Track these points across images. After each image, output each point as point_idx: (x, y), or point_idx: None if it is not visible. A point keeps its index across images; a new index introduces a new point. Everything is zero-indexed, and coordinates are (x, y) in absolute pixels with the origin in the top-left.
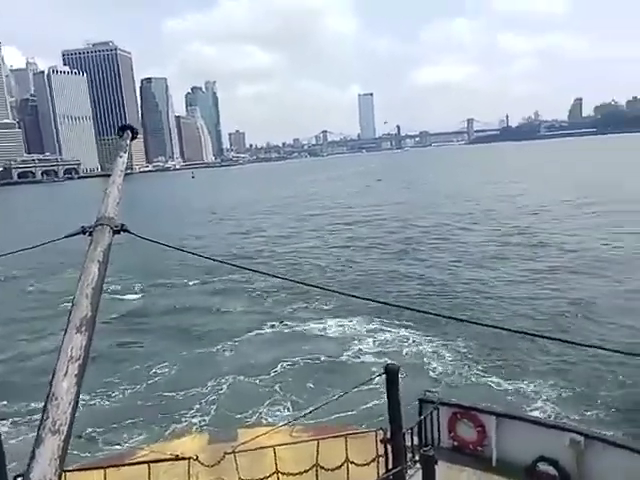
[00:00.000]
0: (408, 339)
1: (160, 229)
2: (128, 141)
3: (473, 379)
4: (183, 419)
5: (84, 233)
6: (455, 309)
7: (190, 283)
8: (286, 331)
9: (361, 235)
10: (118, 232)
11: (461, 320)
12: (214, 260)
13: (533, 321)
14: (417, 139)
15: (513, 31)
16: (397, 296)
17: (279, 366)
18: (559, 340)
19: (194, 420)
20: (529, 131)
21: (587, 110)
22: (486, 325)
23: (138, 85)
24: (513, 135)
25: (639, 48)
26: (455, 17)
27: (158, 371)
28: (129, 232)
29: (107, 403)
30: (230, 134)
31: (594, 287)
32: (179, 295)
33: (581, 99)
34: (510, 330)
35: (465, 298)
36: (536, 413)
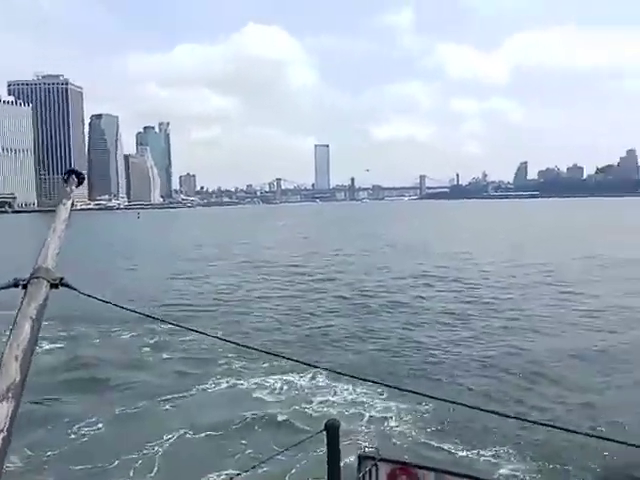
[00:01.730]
0: (353, 395)
1: (95, 273)
2: (73, 187)
3: (417, 438)
4: None
5: (17, 286)
6: (403, 372)
7: (125, 335)
8: (224, 388)
9: (315, 288)
10: (56, 286)
11: (409, 391)
12: (153, 318)
13: (486, 390)
14: (370, 192)
15: (463, 95)
16: (340, 355)
17: (216, 426)
18: (514, 418)
19: None
20: (477, 190)
21: (531, 174)
22: (430, 396)
23: (88, 121)
24: (462, 193)
25: (573, 118)
26: (412, 79)
27: (86, 431)
28: (69, 287)
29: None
30: (181, 176)
31: (544, 348)
32: (112, 347)
33: (526, 163)
34: (455, 403)
35: (414, 361)
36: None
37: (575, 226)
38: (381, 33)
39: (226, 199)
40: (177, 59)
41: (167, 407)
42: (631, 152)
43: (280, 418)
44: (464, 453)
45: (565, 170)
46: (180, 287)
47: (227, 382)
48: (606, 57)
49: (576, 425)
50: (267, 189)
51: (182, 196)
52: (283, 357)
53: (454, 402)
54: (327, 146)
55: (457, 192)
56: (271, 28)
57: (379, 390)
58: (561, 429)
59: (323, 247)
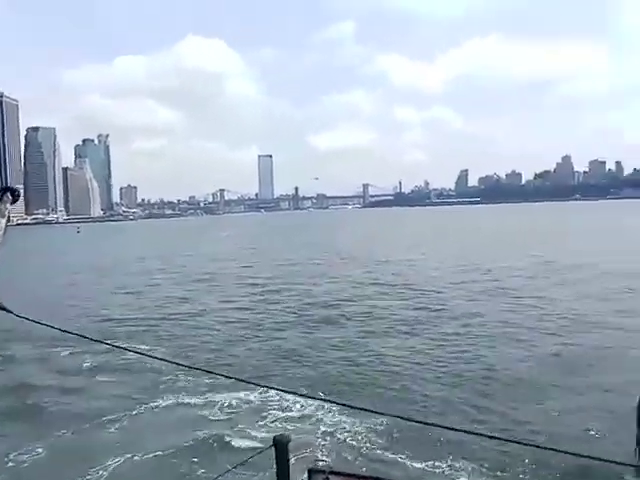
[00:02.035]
0: (304, 410)
1: (33, 291)
2: (8, 205)
3: (369, 450)
4: None
5: None
6: (355, 385)
7: (65, 355)
8: (169, 408)
9: (262, 300)
10: None
11: (361, 409)
12: (90, 339)
13: (440, 402)
14: (315, 201)
15: (405, 103)
16: (290, 369)
17: (163, 447)
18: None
19: None
20: (420, 198)
21: (472, 181)
22: (380, 413)
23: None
24: (406, 201)
25: (511, 126)
26: (355, 88)
27: (25, 458)
28: (6, 310)
29: None
30: (121, 188)
31: (496, 354)
32: (51, 369)
33: (467, 170)
34: (406, 419)
35: (365, 373)
36: None
37: (517, 230)
38: (324, 45)
39: (169, 211)
40: (119, 71)
41: (111, 430)
42: (566, 158)
43: (228, 436)
44: (417, 465)
45: (504, 177)
46: (123, 302)
47: (172, 401)
48: (540, 66)
49: (529, 435)
50: (210, 200)
51: (123, 208)
52: (227, 377)
53: (405, 418)
54: (270, 156)
55: (400, 200)
56: (211, 41)
57: (331, 404)
58: (513, 442)
59: (268, 257)
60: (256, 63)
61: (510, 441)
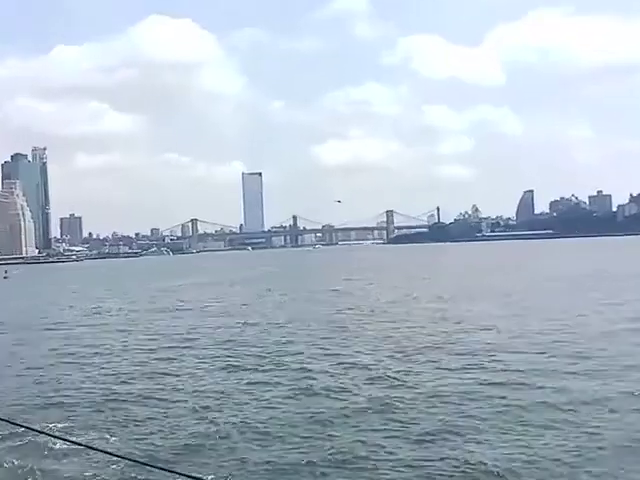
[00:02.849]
0: None
1: None
2: None
3: None
4: None
5: None
6: None
7: None
8: None
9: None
10: None
11: None
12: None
13: None
14: (319, 235)
15: (440, 101)
16: None
17: None
18: None
19: None
20: (466, 229)
21: (540, 206)
22: None
23: None
24: (446, 234)
25: (588, 128)
26: (370, 82)
27: None
28: None
29: None
30: (62, 219)
31: None
32: None
33: (532, 192)
34: None
35: None
36: None
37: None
38: (328, 24)
39: (125, 248)
40: (57, 65)
41: None
42: None
43: None
44: None
45: (586, 200)
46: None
47: None
48: (620, 50)
49: None
50: (179, 234)
51: (64, 246)
52: None
53: None
54: (259, 174)
55: (438, 232)
56: (179, 22)
57: None
58: None
59: (245, 355)
60: (239, 50)
61: None
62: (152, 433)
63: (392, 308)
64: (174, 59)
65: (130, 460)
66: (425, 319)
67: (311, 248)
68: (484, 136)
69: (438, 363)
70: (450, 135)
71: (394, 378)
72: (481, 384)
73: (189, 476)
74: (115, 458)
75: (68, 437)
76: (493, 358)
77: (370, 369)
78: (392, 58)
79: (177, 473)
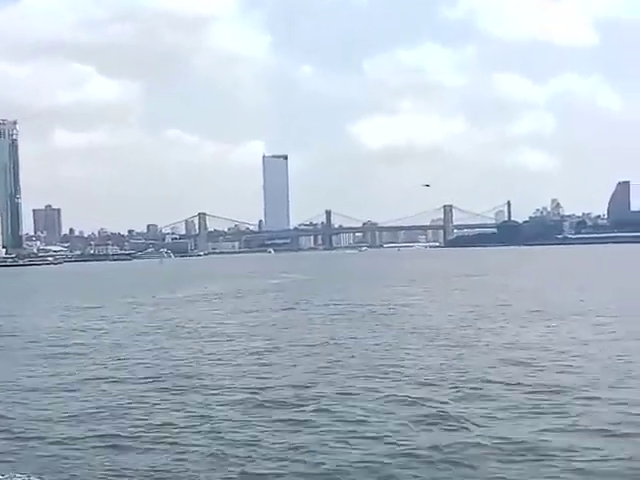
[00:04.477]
0: None
1: None
2: None
3: None
4: None
5: None
6: None
7: None
8: None
9: None
10: None
11: None
12: None
13: None
14: (358, 234)
15: (513, 68)
16: None
17: None
18: None
19: None
20: (545, 230)
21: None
22: None
23: None
24: (518, 235)
25: None
26: (425, 43)
27: None
28: None
29: None
30: (36, 211)
31: None
32: None
33: (628, 183)
34: None
35: None
36: None
37: None
38: None
39: (115, 249)
40: (29, 17)
41: None
42: None
43: None
44: None
45: None
46: None
47: None
48: None
49: None
50: (183, 232)
51: (38, 245)
52: None
53: None
54: (284, 158)
55: (508, 233)
56: None
57: None
58: None
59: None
60: (260, 2)
61: None
62: None
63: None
64: (179, 12)
65: None
66: None
67: (355, 251)
68: (569, 113)
69: None
70: (526, 112)
71: None
72: None
73: None
74: None
75: None
76: None
77: None
78: (454, 12)
79: None
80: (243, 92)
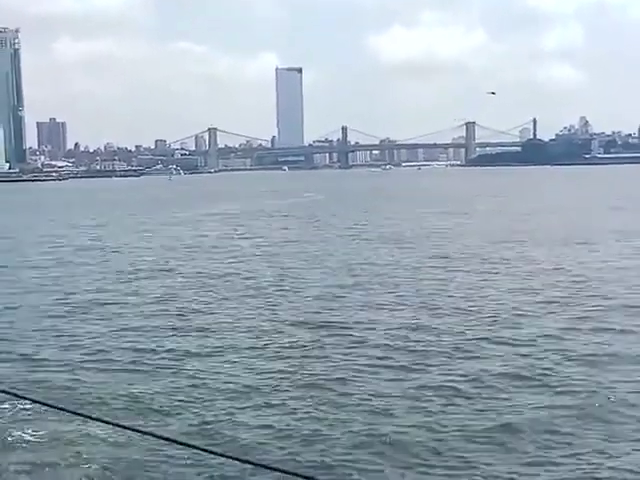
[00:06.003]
0: None
1: None
2: None
3: None
4: None
5: None
6: None
7: None
8: None
9: None
10: None
11: None
12: None
13: None
14: (375, 152)
15: None
16: None
17: None
18: None
19: None
20: (572, 149)
21: None
22: None
23: None
24: (544, 154)
25: None
26: None
27: None
28: None
29: None
30: (40, 124)
31: None
32: None
33: None
34: None
35: None
36: None
37: None
38: None
39: (122, 165)
40: None
41: None
42: None
43: None
44: None
45: None
46: None
47: None
48: None
49: None
50: (192, 148)
51: (43, 159)
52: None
53: None
54: (299, 71)
55: (534, 152)
56: None
57: None
58: None
59: None
60: None
61: None
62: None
63: None
64: None
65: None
66: None
67: (379, 169)
68: (602, 23)
69: None
70: (555, 22)
71: None
72: None
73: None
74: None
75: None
76: None
77: None
78: None
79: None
80: (256, 1)
